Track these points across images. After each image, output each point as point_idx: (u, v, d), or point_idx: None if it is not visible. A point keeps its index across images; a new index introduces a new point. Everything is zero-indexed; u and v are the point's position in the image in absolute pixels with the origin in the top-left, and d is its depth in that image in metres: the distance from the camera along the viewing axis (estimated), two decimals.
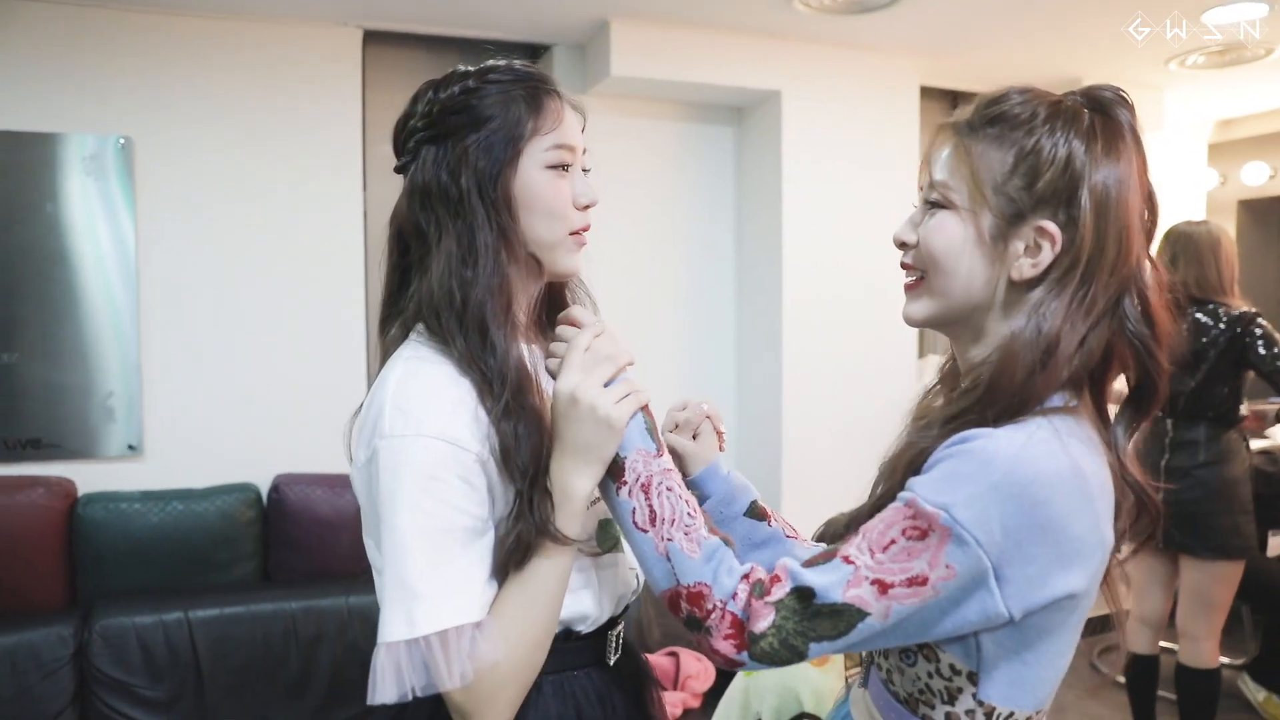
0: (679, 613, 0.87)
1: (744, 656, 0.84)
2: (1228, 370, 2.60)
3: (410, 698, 0.84)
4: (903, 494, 0.83)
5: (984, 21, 2.80)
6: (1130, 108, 0.89)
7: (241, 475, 2.63)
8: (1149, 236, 0.91)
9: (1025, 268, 0.87)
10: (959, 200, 0.89)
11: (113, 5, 2.50)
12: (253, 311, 2.69)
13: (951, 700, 0.87)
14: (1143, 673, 2.91)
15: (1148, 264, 0.90)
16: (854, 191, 3.05)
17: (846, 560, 0.82)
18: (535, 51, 3.05)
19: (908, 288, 0.95)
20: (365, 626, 2.42)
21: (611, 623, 1.05)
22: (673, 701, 2.47)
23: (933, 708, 0.88)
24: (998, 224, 0.87)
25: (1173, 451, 2.69)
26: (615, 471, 0.91)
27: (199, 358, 2.65)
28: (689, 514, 0.89)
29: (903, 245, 0.94)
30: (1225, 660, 3.49)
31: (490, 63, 1.00)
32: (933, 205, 0.91)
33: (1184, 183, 4.01)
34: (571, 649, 1.00)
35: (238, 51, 2.64)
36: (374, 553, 0.95)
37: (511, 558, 0.91)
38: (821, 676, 1.77)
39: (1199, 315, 2.65)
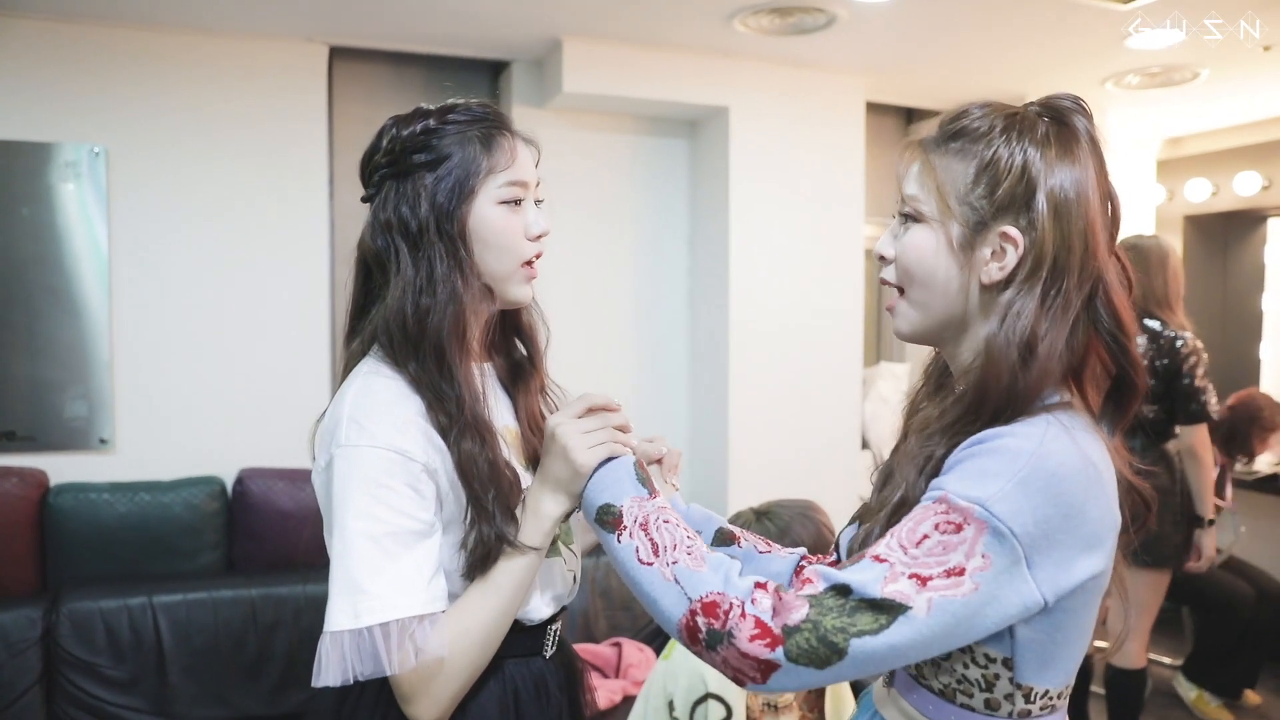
0: (698, 635, 0.84)
1: (779, 654, 0.80)
2: (1160, 389, 2.67)
3: (352, 682, 0.93)
4: (931, 493, 0.85)
5: (923, 41, 2.93)
6: (1087, 114, 0.93)
7: (207, 469, 2.76)
8: (1112, 236, 0.94)
9: (993, 272, 0.90)
10: (928, 212, 0.93)
11: (89, 20, 2.64)
12: (221, 313, 2.83)
13: (989, 687, 0.90)
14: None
15: (1114, 262, 0.94)
16: (801, 205, 3.17)
17: (878, 559, 0.82)
18: (496, 68, 3.18)
19: (891, 305, 0.99)
20: (320, 614, 2.50)
21: (552, 619, 1.14)
22: (613, 689, 2.59)
23: (971, 696, 0.91)
24: (964, 232, 0.91)
25: None
26: (612, 523, 0.94)
27: (168, 356, 2.78)
28: (688, 537, 0.91)
29: (882, 259, 0.98)
30: (1166, 660, 3.61)
31: (451, 101, 1.09)
32: (906, 218, 0.96)
33: (1133, 198, 4.13)
34: (514, 639, 1.07)
35: (209, 66, 2.78)
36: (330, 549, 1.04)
37: (475, 563, 1.00)
38: None
39: (1139, 331, 2.74)
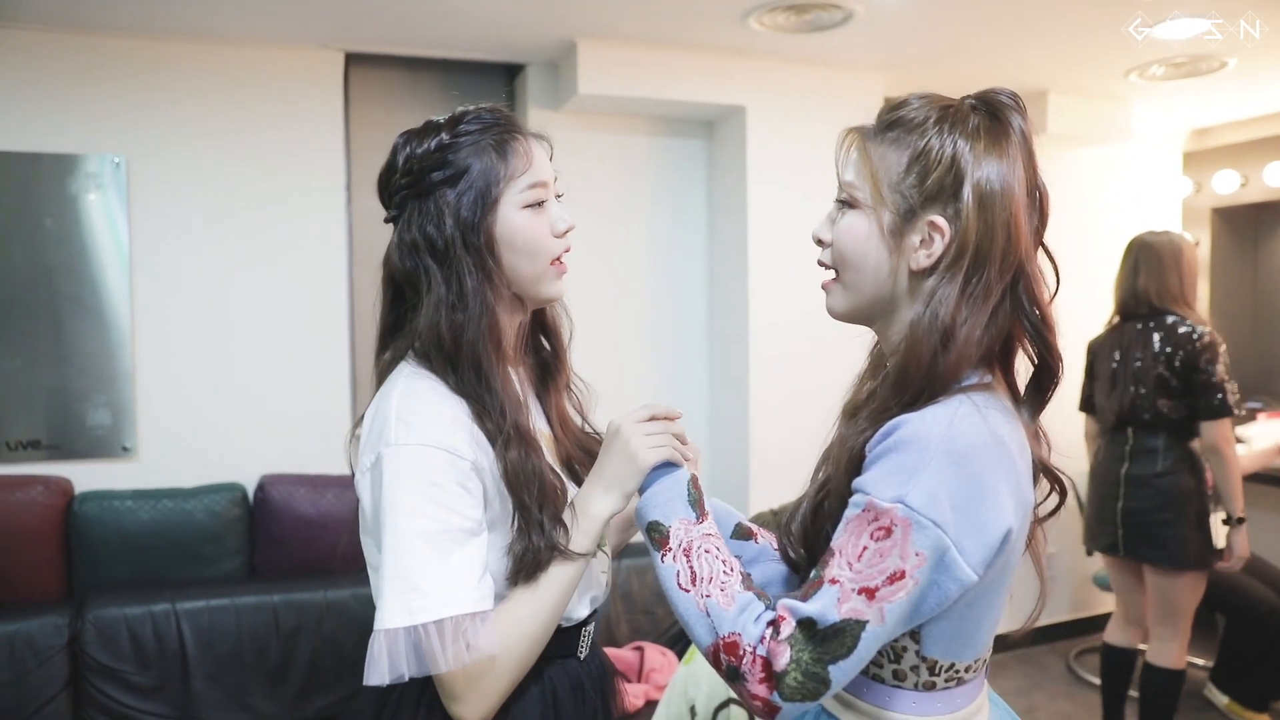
0: (721, 666, 0.90)
1: (776, 698, 0.86)
2: (1179, 386, 2.64)
3: (405, 679, 0.94)
4: (856, 498, 0.89)
5: (942, 35, 2.89)
6: (1022, 110, 0.96)
7: (229, 475, 2.77)
8: (1039, 232, 0.97)
9: (921, 259, 0.94)
10: (863, 199, 0.97)
11: (106, 31, 2.66)
12: (241, 321, 2.84)
13: (897, 658, 0.95)
14: (1118, 665, 2.98)
15: (1038, 255, 0.97)
16: (819, 203, 3.12)
17: (832, 581, 0.87)
18: (511, 71, 3.18)
19: (826, 285, 1.04)
20: (341, 619, 2.55)
21: (586, 620, 1.16)
22: (636, 693, 2.58)
23: (881, 668, 0.96)
24: (895, 220, 0.95)
25: (1132, 460, 2.75)
26: (659, 541, 0.99)
27: (190, 365, 2.80)
28: (725, 572, 0.94)
29: (819, 242, 1.03)
30: (1199, 662, 3.54)
31: (459, 110, 1.10)
32: (843, 204, 1.00)
33: (1159, 191, 4.06)
34: (552, 640, 1.08)
35: (226, 75, 2.79)
36: (371, 550, 1.05)
37: (523, 569, 1.02)
38: None
39: (1156, 328, 2.69)
